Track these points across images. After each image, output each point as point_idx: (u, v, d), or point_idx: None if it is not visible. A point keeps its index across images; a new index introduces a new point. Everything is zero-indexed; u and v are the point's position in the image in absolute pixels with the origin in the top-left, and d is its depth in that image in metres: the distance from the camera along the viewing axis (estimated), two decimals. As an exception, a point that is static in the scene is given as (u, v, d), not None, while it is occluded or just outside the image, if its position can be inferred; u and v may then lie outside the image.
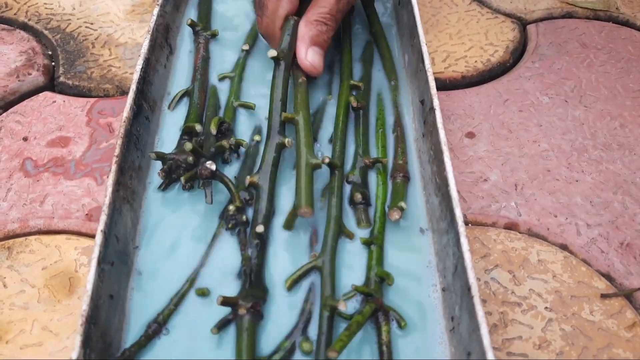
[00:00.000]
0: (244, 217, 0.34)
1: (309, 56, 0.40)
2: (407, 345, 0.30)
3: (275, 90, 0.38)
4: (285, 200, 0.36)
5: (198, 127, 0.38)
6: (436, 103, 0.35)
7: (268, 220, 0.34)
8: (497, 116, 0.45)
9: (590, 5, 0.54)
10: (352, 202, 0.36)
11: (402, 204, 0.35)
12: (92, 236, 0.38)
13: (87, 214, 0.39)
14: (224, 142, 0.36)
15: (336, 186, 0.35)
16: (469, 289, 0.27)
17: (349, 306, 0.31)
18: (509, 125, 0.44)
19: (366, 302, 0.30)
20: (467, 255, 0.28)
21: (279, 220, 0.35)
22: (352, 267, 0.33)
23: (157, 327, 0.30)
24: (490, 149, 0.42)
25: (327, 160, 0.35)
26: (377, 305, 0.30)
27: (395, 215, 0.35)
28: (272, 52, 0.39)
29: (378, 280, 0.32)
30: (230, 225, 0.34)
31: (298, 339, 0.30)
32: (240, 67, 0.44)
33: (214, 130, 0.37)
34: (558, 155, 0.42)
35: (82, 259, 0.37)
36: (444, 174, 0.32)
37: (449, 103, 0.45)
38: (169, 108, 0.41)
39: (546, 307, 0.34)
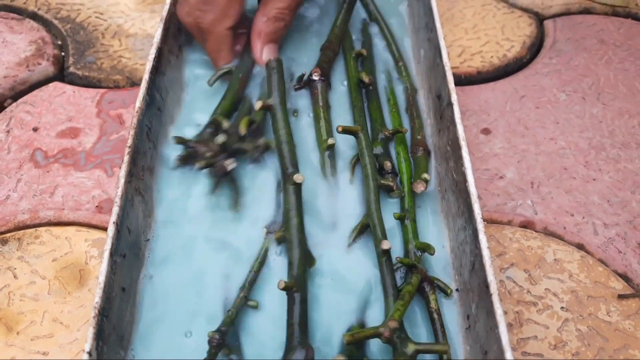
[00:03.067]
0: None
1: (265, 55, 0.41)
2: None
3: (280, 132, 0.36)
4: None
5: (225, 124, 0.37)
6: (454, 98, 0.34)
7: (304, 270, 0.32)
8: (513, 112, 0.44)
9: (609, 1, 0.53)
10: (380, 172, 0.36)
11: (425, 175, 0.35)
12: (103, 228, 0.38)
13: (97, 206, 0.38)
14: (247, 145, 0.36)
15: (365, 146, 0.36)
16: (487, 286, 0.27)
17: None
18: (525, 122, 0.43)
19: (412, 273, 0.31)
20: (485, 252, 0.28)
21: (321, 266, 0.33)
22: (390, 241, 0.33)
23: (220, 340, 0.29)
24: (506, 146, 0.42)
25: (340, 130, 0.35)
26: (422, 276, 0.31)
27: (420, 187, 0.35)
28: (259, 104, 0.37)
29: (419, 254, 0.32)
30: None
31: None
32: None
33: (243, 131, 0.36)
34: (575, 153, 0.41)
35: (92, 251, 0.36)
36: (462, 169, 0.31)
37: (464, 98, 0.45)
38: (208, 84, 0.40)
39: (562, 307, 0.34)
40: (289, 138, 0.36)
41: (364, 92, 0.41)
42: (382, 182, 0.35)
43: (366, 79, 0.40)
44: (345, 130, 0.36)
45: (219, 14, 0.39)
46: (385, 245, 0.31)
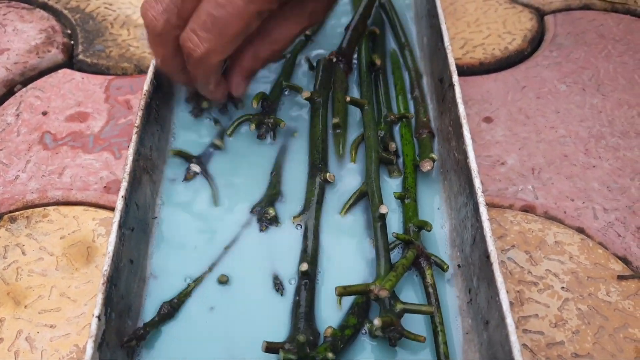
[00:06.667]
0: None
1: (238, 89, 0.38)
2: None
3: (318, 127, 0.37)
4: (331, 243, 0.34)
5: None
6: (455, 79, 0.35)
7: (315, 260, 0.32)
8: (515, 102, 0.45)
9: (608, -3, 0.54)
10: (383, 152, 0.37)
11: (433, 155, 0.36)
12: (110, 208, 0.38)
13: (105, 187, 0.39)
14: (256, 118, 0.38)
15: (370, 119, 0.37)
16: (487, 257, 0.27)
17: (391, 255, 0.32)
18: (526, 111, 0.44)
19: (408, 249, 0.32)
20: (486, 224, 0.28)
21: (329, 260, 0.33)
22: (389, 221, 0.34)
23: (171, 309, 0.30)
24: (508, 134, 0.42)
25: (348, 100, 0.37)
26: (418, 252, 0.31)
27: (427, 165, 0.36)
28: (306, 94, 0.38)
29: (416, 230, 0.33)
30: (263, 228, 0.34)
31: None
32: (296, 51, 0.44)
33: (254, 104, 0.37)
34: (575, 141, 0.42)
35: (100, 229, 0.37)
36: (463, 147, 0.32)
37: (467, 88, 0.45)
38: (228, 135, 0.39)
39: (562, 287, 0.34)
40: (325, 135, 0.37)
41: (372, 76, 0.42)
42: (384, 155, 0.36)
43: (378, 62, 0.41)
44: (353, 102, 0.37)
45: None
46: (383, 209, 0.32)
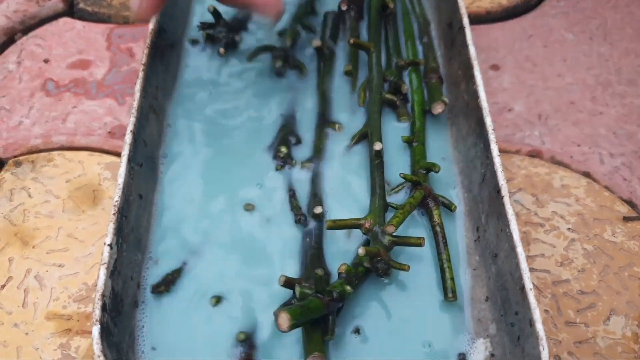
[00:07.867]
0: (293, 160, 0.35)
1: None
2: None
3: (322, 79, 0.38)
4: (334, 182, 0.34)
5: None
6: (466, 21, 0.35)
7: (323, 202, 0.33)
8: (522, 50, 0.44)
9: (617, -53, 0.53)
10: (395, 94, 0.37)
11: (444, 98, 0.36)
12: (115, 153, 0.38)
13: (109, 132, 0.39)
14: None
15: (375, 63, 0.37)
16: (498, 191, 0.27)
17: (398, 198, 0.33)
18: (533, 60, 0.44)
19: (416, 189, 0.32)
20: (497, 160, 0.28)
21: (336, 202, 0.33)
22: (397, 164, 0.35)
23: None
24: (515, 81, 0.42)
25: (352, 42, 0.36)
26: (425, 193, 0.31)
27: (439, 108, 0.36)
28: (317, 42, 0.38)
29: (424, 173, 0.33)
30: (279, 167, 0.34)
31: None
32: None
33: (289, 42, 0.38)
34: (582, 88, 0.42)
35: (105, 173, 0.37)
36: (473, 88, 0.32)
37: (474, 37, 0.44)
38: (247, 60, 0.39)
39: (569, 228, 0.34)
40: (328, 85, 0.37)
41: (382, 22, 0.41)
42: (387, 96, 0.36)
43: (391, 5, 0.40)
44: (357, 45, 0.37)
45: None
46: (377, 146, 0.32)
